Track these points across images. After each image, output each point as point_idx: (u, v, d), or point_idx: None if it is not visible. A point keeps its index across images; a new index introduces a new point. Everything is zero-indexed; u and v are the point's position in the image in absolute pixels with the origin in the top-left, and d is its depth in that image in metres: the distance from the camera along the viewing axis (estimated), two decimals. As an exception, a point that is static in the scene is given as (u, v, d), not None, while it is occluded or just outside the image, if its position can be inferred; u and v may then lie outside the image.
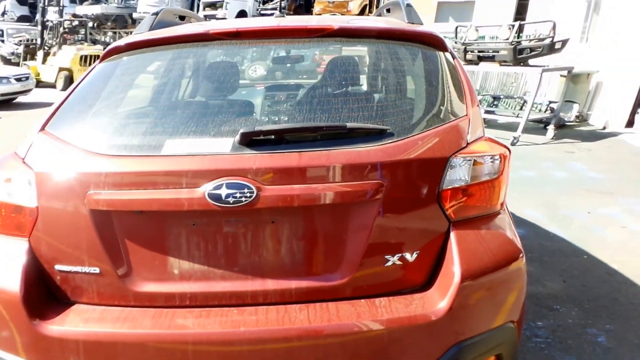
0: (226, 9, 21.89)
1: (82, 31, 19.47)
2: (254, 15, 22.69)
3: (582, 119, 8.63)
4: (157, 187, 1.47)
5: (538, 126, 8.10)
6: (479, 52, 7.79)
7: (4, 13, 23.15)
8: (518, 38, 7.56)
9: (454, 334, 1.53)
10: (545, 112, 8.18)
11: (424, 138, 1.55)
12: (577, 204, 4.68)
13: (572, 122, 8.36)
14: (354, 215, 1.51)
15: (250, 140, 1.49)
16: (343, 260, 1.53)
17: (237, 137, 1.49)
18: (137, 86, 1.88)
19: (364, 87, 1.95)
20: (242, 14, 22.61)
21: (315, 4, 20.70)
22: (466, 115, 1.67)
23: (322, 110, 1.65)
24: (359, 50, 1.98)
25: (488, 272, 1.54)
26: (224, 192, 1.43)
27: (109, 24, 23.43)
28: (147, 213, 1.51)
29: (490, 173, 1.62)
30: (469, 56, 7.91)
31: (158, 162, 1.50)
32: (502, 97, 8.67)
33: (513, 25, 7.46)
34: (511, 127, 7.59)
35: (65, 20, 17.42)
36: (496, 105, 8.53)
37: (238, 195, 1.43)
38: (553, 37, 7.36)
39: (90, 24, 24.35)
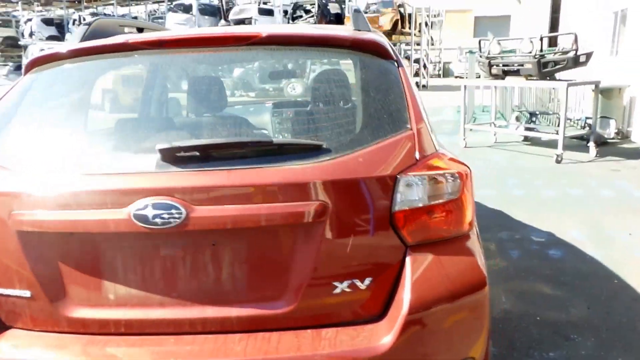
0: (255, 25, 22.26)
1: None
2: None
3: (622, 135, 8.27)
4: (83, 207, 1.40)
5: (581, 143, 7.79)
6: (503, 65, 7.51)
7: (31, 34, 23.93)
8: (542, 51, 7.26)
9: None
10: (583, 128, 7.86)
11: (367, 155, 1.44)
12: (621, 224, 4.46)
13: (612, 139, 8.01)
14: (297, 239, 1.42)
15: (175, 157, 1.40)
16: (288, 286, 1.43)
17: (159, 154, 1.40)
18: (60, 100, 1.78)
19: (299, 99, 1.82)
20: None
21: (345, 20, 20.68)
22: (410, 129, 1.53)
23: (251, 124, 1.58)
24: (294, 60, 1.83)
25: (443, 302, 1.42)
26: (150, 212, 1.34)
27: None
28: (77, 235, 1.44)
29: (448, 193, 1.49)
30: (494, 70, 7.68)
31: (82, 181, 1.43)
32: (538, 113, 8.41)
33: (536, 38, 7.17)
34: (553, 144, 7.35)
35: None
36: (534, 122, 8.27)
37: (166, 216, 1.34)
38: (576, 50, 7.05)
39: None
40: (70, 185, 1.42)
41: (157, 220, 1.33)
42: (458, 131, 8.32)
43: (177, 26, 21.69)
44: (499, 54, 7.71)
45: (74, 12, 26.32)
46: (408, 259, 1.43)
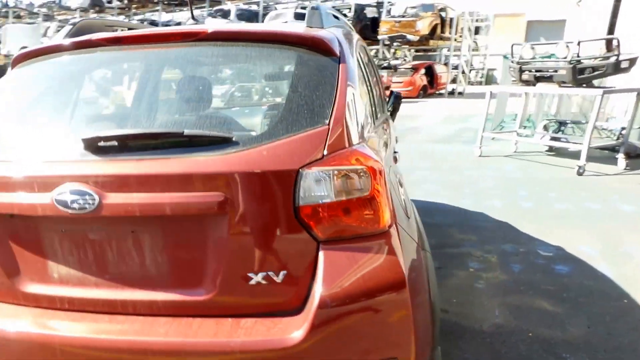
0: (289, 29, 22.33)
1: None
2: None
3: (662, 148, 7.81)
4: (15, 190, 1.50)
5: (611, 155, 7.37)
6: (536, 71, 7.23)
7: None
8: (578, 56, 6.92)
9: None
10: (617, 139, 7.42)
11: (272, 148, 1.44)
12: (639, 241, 4.17)
13: (648, 151, 7.56)
14: (207, 229, 1.45)
15: (97, 147, 1.48)
16: (205, 275, 1.47)
17: (82, 144, 1.49)
18: (26, 92, 1.88)
19: (219, 94, 1.83)
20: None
21: (380, 24, 20.50)
22: (327, 125, 1.50)
23: (170, 116, 1.63)
24: (238, 56, 1.86)
25: (357, 299, 1.40)
26: (68, 198, 1.43)
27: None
28: (17, 216, 1.54)
29: (358, 189, 1.46)
30: (525, 76, 7.35)
31: (18, 167, 1.53)
32: (569, 122, 8.04)
33: (573, 43, 6.84)
34: (579, 155, 6.93)
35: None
36: (562, 131, 7.90)
37: (81, 201, 1.43)
38: (618, 56, 6.70)
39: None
40: (8, 170, 1.52)
41: (75, 205, 1.42)
42: (479, 140, 8.05)
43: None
44: (531, 59, 7.42)
45: (124, 19, 27.35)
46: (321, 254, 1.43)
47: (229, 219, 1.41)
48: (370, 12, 21.19)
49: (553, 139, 7.73)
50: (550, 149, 7.97)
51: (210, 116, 1.64)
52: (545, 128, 8.09)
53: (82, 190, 1.42)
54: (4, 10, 30.71)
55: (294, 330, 1.38)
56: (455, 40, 20.58)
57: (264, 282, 1.44)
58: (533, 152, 8.05)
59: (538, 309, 3.00)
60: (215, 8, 22.69)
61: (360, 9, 21.01)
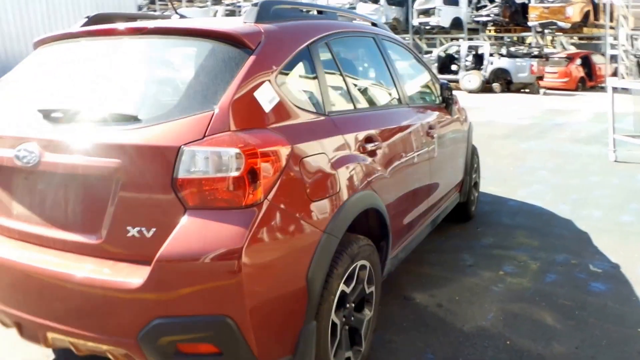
0: (439, 16, 21.73)
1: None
2: (468, 23, 22.02)
3: None
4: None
5: None
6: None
7: None
8: None
9: (154, 308, 1.69)
10: None
11: (164, 127, 1.74)
12: None
13: None
14: (104, 188, 1.79)
15: (48, 117, 1.92)
16: (100, 224, 1.80)
17: (40, 114, 1.95)
18: (34, 70, 2.35)
19: (142, 79, 2.10)
20: (456, 21, 22.14)
21: (530, 10, 19.01)
22: (213, 110, 1.76)
23: (98, 97, 2.01)
24: (172, 47, 2.16)
25: (195, 260, 1.65)
26: (22, 154, 1.89)
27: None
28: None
29: (229, 169, 1.70)
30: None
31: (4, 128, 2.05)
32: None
33: None
34: None
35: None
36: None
37: (28, 156, 1.87)
38: None
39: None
40: None
41: (24, 159, 1.88)
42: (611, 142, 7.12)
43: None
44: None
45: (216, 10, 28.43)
46: (183, 219, 1.69)
47: (121, 181, 1.75)
48: (519, -2, 19.75)
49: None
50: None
51: (128, 97, 1.98)
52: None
53: (30, 150, 1.87)
54: (176, -6, 34.77)
55: (137, 277, 1.67)
56: (611, 27, 18.07)
57: (137, 235, 1.73)
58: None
59: (536, 321, 2.93)
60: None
61: (508, -5, 19.71)
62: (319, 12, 2.75)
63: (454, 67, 18.83)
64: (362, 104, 2.78)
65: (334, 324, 2.13)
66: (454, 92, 4.33)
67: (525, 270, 3.60)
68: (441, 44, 23.09)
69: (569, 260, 3.77)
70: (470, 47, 18.53)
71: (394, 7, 22.30)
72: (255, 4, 2.18)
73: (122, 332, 1.74)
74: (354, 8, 23.44)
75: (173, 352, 1.72)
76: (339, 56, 2.54)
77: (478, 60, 17.94)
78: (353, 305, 2.31)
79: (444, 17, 21.14)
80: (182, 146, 1.69)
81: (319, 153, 2.04)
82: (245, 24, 2.08)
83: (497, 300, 3.16)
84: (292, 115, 2.01)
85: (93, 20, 2.50)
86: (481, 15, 20.83)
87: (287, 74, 2.10)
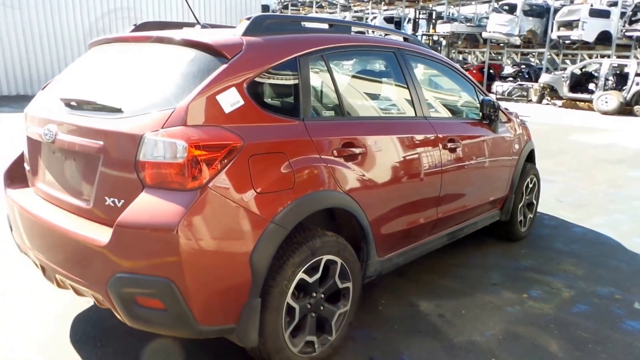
0: (582, 30, 20.15)
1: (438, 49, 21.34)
2: (617, 38, 20.15)
3: None
4: (34, 126, 2.52)
5: None
6: None
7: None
8: None
9: (117, 264, 2.01)
10: None
11: (136, 118, 2.09)
12: None
13: None
14: (93, 164, 2.17)
15: (66, 104, 2.37)
16: (90, 193, 2.20)
17: (62, 102, 2.41)
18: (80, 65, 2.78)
19: (135, 79, 2.40)
20: (602, 35, 20.41)
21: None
22: (173, 108, 2.06)
23: (104, 90, 2.39)
24: (169, 53, 2.41)
25: (141, 228, 1.96)
26: (45, 132, 2.36)
27: (459, 42, 24.93)
28: (30, 139, 2.58)
29: (176, 156, 1.98)
30: None
31: (36, 113, 2.55)
32: None
33: None
34: None
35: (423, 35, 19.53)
36: None
37: (49, 135, 2.33)
38: None
39: (443, 42, 26.43)
40: (33, 113, 2.56)
41: (46, 136, 2.34)
42: None
43: (498, 27, 21.60)
44: None
45: (408, 12, 28.87)
46: (141, 194, 2.02)
47: (101, 159, 2.11)
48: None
49: None
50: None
51: (121, 93, 2.32)
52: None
53: (50, 129, 2.31)
54: (308, 1, 36.39)
55: (104, 237, 2.03)
56: None
57: (112, 204, 2.10)
58: None
59: (537, 346, 2.79)
60: (501, 2, 22.03)
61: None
62: (330, 26, 2.88)
63: (591, 86, 17.40)
64: (354, 113, 2.87)
65: (291, 307, 2.30)
66: (513, 110, 4.20)
67: (553, 297, 3.39)
68: (582, 59, 21.40)
69: (612, 295, 3.47)
70: (613, 66, 16.98)
71: (531, 18, 21.10)
72: (248, 18, 2.43)
73: (97, 280, 2.09)
74: (487, 18, 22.63)
75: (132, 302, 2.03)
76: (335, 68, 2.69)
77: (621, 80, 16.39)
78: (322, 296, 2.46)
79: (588, 30, 19.47)
80: (144, 134, 2.01)
81: (276, 152, 2.22)
82: (233, 36, 2.34)
83: (505, 321, 3.05)
84: (257, 118, 2.21)
85: (139, 27, 2.92)
86: (636, 30, 18.73)
87: (263, 82, 2.32)
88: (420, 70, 3.29)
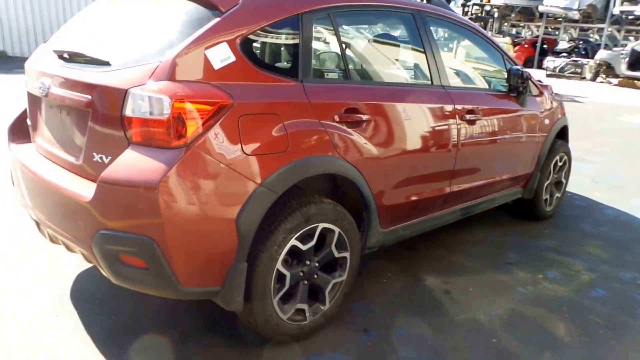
0: (646, 4, 18.80)
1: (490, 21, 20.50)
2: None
3: None
4: (33, 80, 2.48)
5: None
6: None
7: None
8: None
9: (101, 220, 1.99)
10: None
11: (123, 71, 2.03)
12: None
13: None
14: (83, 118, 2.13)
15: (59, 57, 2.32)
16: (81, 148, 2.18)
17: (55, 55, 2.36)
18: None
19: (126, 30, 2.34)
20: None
21: None
22: (159, 61, 1.98)
23: (96, 43, 2.35)
24: (155, 6, 2.39)
25: (124, 185, 1.92)
26: (39, 85, 2.32)
27: (512, 15, 23.77)
28: (30, 94, 2.56)
29: (159, 112, 1.90)
30: None
31: (33, 66, 2.53)
32: None
33: None
34: None
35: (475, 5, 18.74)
36: None
37: (42, 88, 2.30)
38: None
39: (495, 14, 25.30)
40: (31, 66, 2.54)
41: (40, 90, 2.30)
42: None
43: (556, 0, 20.50)
44: None
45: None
46: (125, 150, 1.97)
47: (90, 114, 2.06)
48: None
49: None
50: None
51: (111, 45, 2.28)
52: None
53: (44, 82, 2.27)
54: None
55: (89, 193, 2.01)
56: None
57: (99, 160, 2.05)
58: None
59: (543, 329, 2.67)
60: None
61: None
62: None
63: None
64: (362, 78, 2.75)
65: (282, 274, 2.26)
66: (549, 84, 3.97)
67: (570, 279, 3.24)
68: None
69: (636, 280, 3.27)
70: None
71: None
72: None
73: (83, 236, 2.10)
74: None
75: (116, 259, 2.03)
76: (343, 29, 2.55)
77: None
78: (317, 264, 2.42)
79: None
80: (129, 89, 1.95)
81: (270, 114, 2.14)
82: None
83: (514, 301, 2.94)
84: (250, 76, 2.12)
85: None
86: None
87: (259, 39, 2.23)
88: (442, 36, 3.11)
